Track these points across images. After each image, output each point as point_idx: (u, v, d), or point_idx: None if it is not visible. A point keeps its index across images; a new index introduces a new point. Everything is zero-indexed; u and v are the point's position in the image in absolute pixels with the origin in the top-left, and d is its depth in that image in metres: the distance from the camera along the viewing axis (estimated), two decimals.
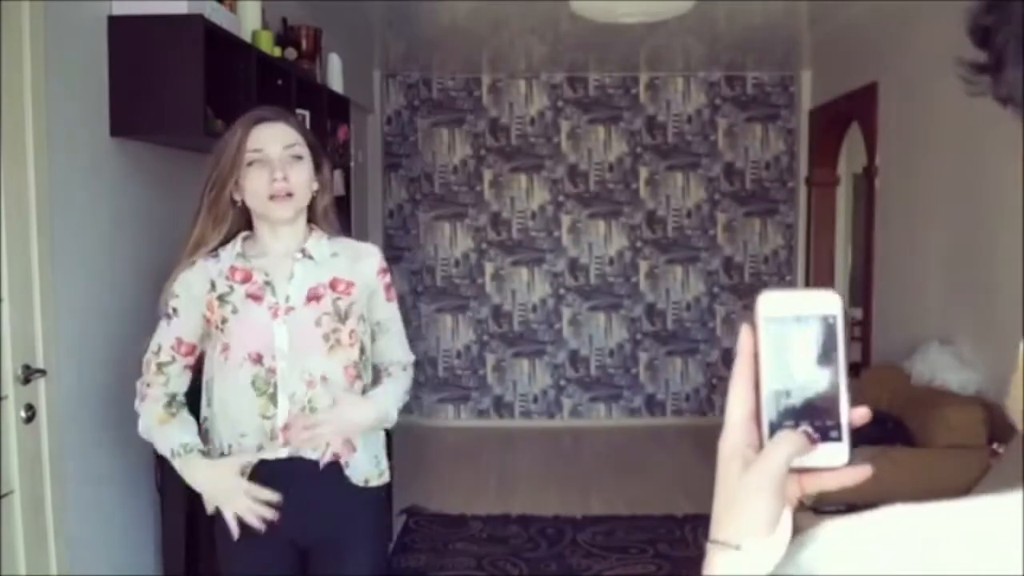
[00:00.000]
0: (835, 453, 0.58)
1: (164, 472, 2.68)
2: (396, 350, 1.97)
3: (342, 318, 1.84)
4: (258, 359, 1.78)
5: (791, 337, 0.59)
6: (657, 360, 6.55)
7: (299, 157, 1.80)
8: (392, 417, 1.90)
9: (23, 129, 2.10)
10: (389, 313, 1.94)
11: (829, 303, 0.59)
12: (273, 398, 1.79)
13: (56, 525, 2.22)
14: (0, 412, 2.04)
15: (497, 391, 6.55)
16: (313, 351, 1.81)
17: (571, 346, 6.54)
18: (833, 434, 0.58)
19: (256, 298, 1.80)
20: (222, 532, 1.85)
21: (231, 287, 1.81)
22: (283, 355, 1.79)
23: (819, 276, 5.95)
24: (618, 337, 6.54)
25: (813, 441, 0.58)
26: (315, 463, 1.82)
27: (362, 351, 1.89)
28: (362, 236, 5.60)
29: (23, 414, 2.10)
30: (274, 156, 1.77)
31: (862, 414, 0.59)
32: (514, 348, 6.53)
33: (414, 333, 6.40)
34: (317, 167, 1.86)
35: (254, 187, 1.77)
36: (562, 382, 6.56)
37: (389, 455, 2.03)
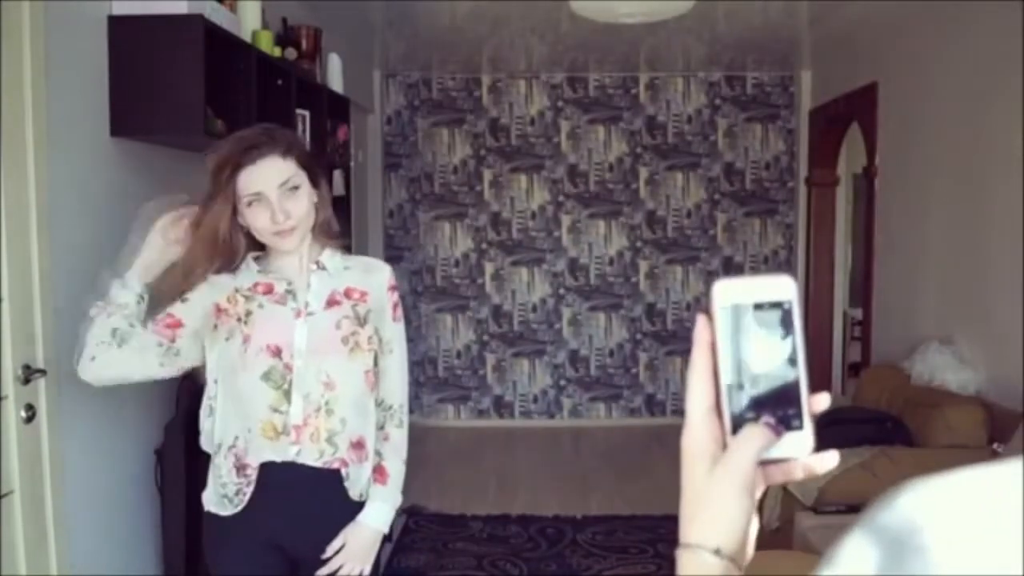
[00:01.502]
0: (799, 442, 0.57)
1: (164, 472, 2.69)
2: (395, 384, 1.92)
3: (361, 322, 1.85)
4: (277, 352, 1.78)
5: (748, 325, 0.57)
6: (657, 360, 6.55)
7: (296, 187, 1.77)
8: (399, 499, 1.92)
9: (23, 129, 2.10)
10: (394, 334, 1.92)
11: (784, 288, 0.57)
12: (287, 394, 1.79)
13: (56, 525, 2.22)
14: (0, 412, 2.04)
15: (497, 391, 6.55)
16: (332, 353, 1.81)
17: (571, 346, 6.54)
18: (795, 423, 0.56)
19: (281, 303, 1.82)
20: (209, 534, 1.85)
21: (256, 296, 1.82)
22: (300, 354, 1.79)
23: (819, 276, 5.95)
24: (618, 337, 6.54)
25: (778, 434, 0.56)
26: (316, 470, 1.80)
27: (375, 363, 1.89)
28: (362, 236, 5.60)
29: (23, 414, 2.10)
30: (272, 197, 1.74)
31: (822, 400, 0.58)
32: (514, 348, 6.53)
33: (414, 333, 6.40)
34: (314, 182, 1.83)
35: (258, 225, 1.76)
36: (562, 382, 6.56)
37: None
